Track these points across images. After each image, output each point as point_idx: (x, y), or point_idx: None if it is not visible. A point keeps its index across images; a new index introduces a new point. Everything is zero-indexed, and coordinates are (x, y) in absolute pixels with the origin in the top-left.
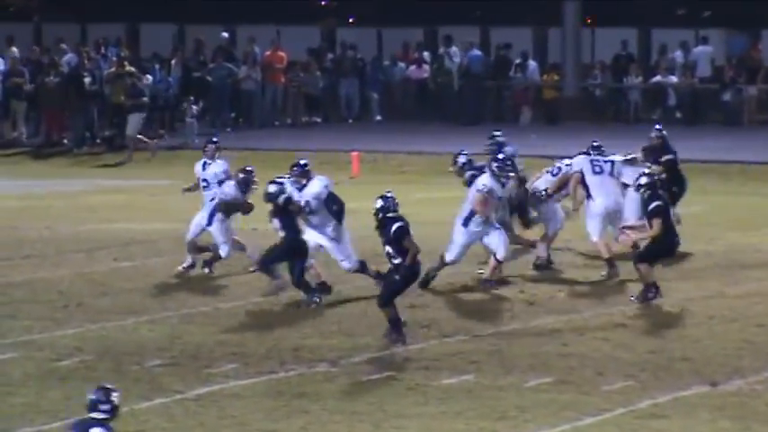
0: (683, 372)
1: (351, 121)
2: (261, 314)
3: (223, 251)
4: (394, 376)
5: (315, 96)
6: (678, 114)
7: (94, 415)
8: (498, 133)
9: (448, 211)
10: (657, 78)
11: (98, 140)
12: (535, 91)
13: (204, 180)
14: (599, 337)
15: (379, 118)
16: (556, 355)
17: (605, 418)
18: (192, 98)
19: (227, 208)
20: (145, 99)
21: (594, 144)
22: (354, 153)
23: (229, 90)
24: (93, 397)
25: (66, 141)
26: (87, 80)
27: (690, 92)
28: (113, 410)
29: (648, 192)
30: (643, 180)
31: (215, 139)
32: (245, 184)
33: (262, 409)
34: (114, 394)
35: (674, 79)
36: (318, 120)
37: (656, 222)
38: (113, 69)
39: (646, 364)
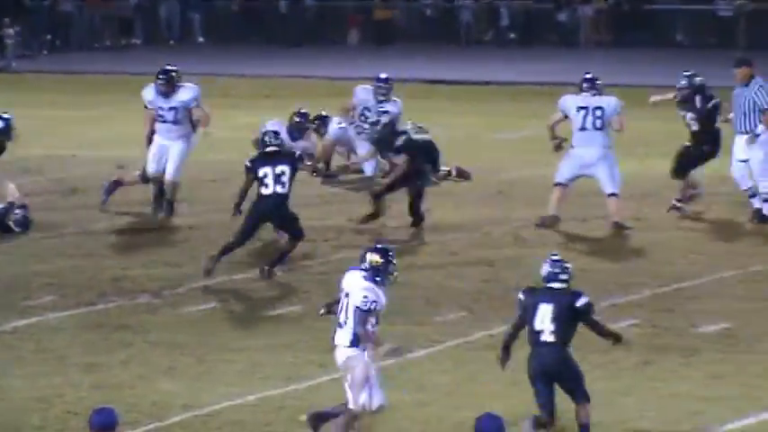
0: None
1: (172, 42)
2: (79, 245)
3: None
4: (219, 308)
5: (127, 18)
6: (512, 35)
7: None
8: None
9: None
10: None
11: None
12: (365, 11)
13: None
14: (431, 267)
15: (201, 39)
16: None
17: (438, 349)
18: (7, 20)
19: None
20: None
21: None
22: None
23: (46, 11)
24: (550, 269)
25: None
26: None
27: (524, 12)
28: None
29: None
30: None
31: None
32: (299, 130)
33: (81, 343)
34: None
35: None
36: (138, 42)
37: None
38: None
39: (479, 294)
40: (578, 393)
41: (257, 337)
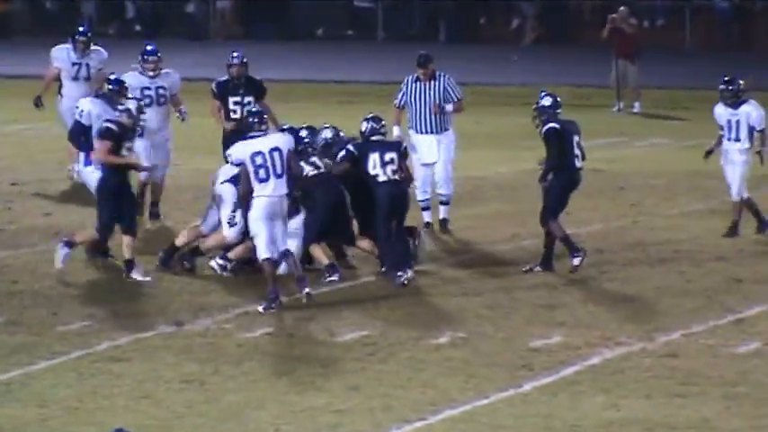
0: (146, 312)
1: None
2: None
3: None
4: None
5: None
6: (138, 27)
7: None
8: None
9: None
10: None
11: None
12: None
13: None
14: (52, 274)
15: None
16: (5, 293)
17: (61, 361)
18: None
19: None
20: None
21: None
22: None
23: None
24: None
25: None
26: None
27: (151, 4)
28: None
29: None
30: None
31: None
32: None
33: None
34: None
35: None
36: None
37: None
38: None
39: (104, 303)
40: None
41: None
